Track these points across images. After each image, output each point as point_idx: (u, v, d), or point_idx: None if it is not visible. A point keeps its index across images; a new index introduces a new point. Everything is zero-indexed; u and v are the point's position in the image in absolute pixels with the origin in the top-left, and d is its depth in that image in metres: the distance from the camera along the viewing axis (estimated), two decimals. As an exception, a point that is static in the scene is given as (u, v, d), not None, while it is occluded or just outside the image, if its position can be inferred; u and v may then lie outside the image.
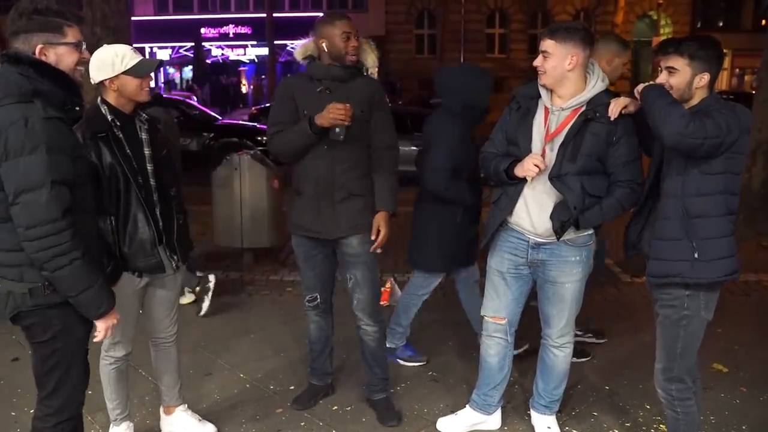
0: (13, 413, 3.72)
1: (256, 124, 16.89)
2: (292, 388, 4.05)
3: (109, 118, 2.88)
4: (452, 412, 3.74)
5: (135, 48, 3.00)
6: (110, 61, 2.84)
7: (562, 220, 3.03)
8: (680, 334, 2.85)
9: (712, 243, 2.72)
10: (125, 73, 2.87)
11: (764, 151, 7.53)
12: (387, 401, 3.75)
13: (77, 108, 2.43)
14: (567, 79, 3.04)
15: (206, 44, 31.64)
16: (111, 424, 3.34)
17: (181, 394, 3.51)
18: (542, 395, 3.52)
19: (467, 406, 3.64)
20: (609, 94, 3.10)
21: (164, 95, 18.38)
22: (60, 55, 2.35)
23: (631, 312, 5.11)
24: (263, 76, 32.81)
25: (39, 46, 2.30)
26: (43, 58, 2.31)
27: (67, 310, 2.41)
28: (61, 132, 2.27)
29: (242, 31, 32.63)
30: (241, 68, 34.33)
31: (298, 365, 4.35)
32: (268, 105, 25.44)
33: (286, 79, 3.61)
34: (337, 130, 3.23)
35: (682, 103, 2.69)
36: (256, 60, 32.45)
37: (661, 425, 3.59)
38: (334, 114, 3.18)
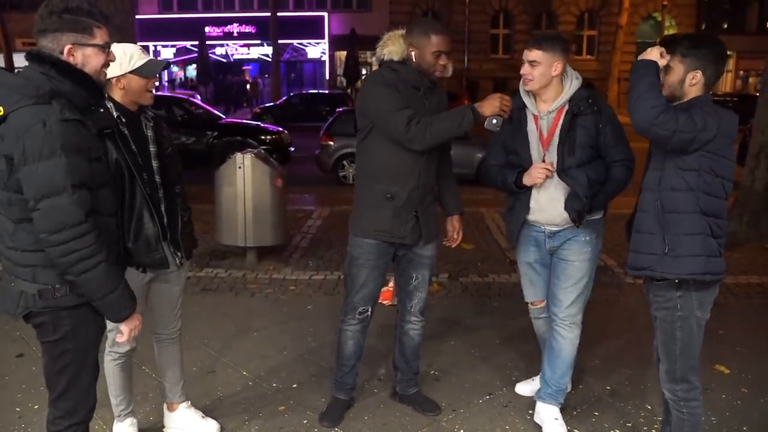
0: (18, 408, 3.74)
1: (259, 123, 16.95)
2: (294, 386, 4.07)
3: (115, 114, 2.90)
4: (453, 410, 3.77)
5: (142, 47, 3.02)
6: (118, 60, 2.83)
7: (577, 209, 3.27)
8: (677, 335, 2.86)
9: (683, 239, 2.73)
10: (132, 72, 2.89)
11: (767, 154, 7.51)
12: (420, 393, 3.85)
13: (102, 110, 2.44)
14: (551, 84, 3.30)
15: (210, 43, 31.68)
16: (115, 420, 3.36)
17: (184, 391, 3.52)
18: (549, 383, 3.60)
19: (540, 375, 3.77)
20: (586, 89, 3.37)
21: (168, 94, 18.45)
22: (87, 57, 2.31)
23: (633, 312, 5.12)
24: (267, 75, 32.86)
25: (68, 47, 2.26)
26: (71, 59, 2.27)
27: (79, 312, 2.39)
28: (79, 134, 2.23)
29: (246, 30, 32.72)
30: (245, 67, 34.37)
31: (301, 363, 4.37)
32: (271, 104, 25.65)
33: (381, 72, 3.31)
34: (495, 121, 3.18)
35: (673, 100, 2.72)
36: (267, 59, 32.43)
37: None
38: (501, 104, 3.14)
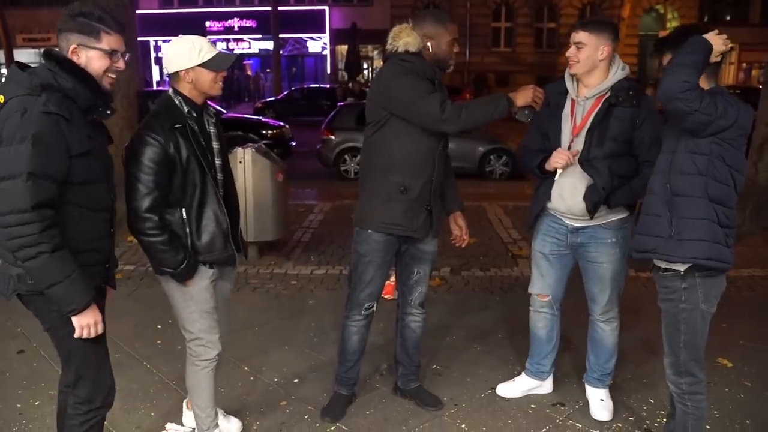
0: (19, 405, 3.73)
1: (261, 117, 16.93)
2: (296, 381, 4.06)
3: (185, 109, 2.85)
4: (455, 405, 3.76)
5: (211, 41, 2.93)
6: (187, 53, 2.79)
7: (594, 200, 3.28)
8: (681, 327, 2.84)
9: (689, 223, 2.71)
10: (201, 65, 2.82)
11: (771, 146, 7.47)
12: (422, 388, 3.85)
13: (108, 111, 2.49)
14: (597, 69, 3.26)
15: (211, 38, 31.62)
16: None
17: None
18: (594, 369, 3.72)
19: (522, 373, 3.95)
20: (629, 81, 3.31)
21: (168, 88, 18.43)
22: (90, 58, 2.41)
23: (635, 306, 5.10)
24: (268, 70, 32.82)
25: (72, 46, 2.39)
26: (74, 58, 2.40)
27: None
28: (58, 128, 2.27)
29: (247, 25, 32.64)
30: (246, 62, 34.32)
31: (302, 358, 4.36)
32: (272, 99, 25.63)
33: (397, 63, 3.23)
34: (527, 111, 3.16)
35: None
36: (269, 53, 32.37)
37: (664, 419, 3.58)
38: (535, 95, 3.12)
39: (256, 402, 3.80)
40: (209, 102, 3.06)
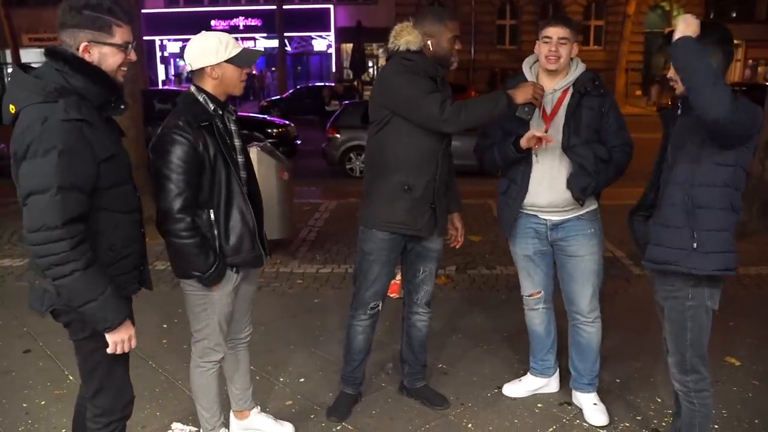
0: (25, 404, 3.74)
1: (266, 116, 16.93)
2: (302, 380, 4.06)
3: (211, 107, 2.78)
4: (462, 404, 3.75)
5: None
6: (214, 48, 2.73)
7: (582, 186, 3.29)
8: (688, 325, 2.81)
9: (712, 235, 2.67)
10: (228, 61, 2.76)
11: (777, 144, 7.43)
12: (428, 387, 3.84)
13: (122, 107, 2.36)
14: (568, 63, 3.34)
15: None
16: None
17: (252, 397, 3.45)
18: (583, 374, 3.69)
19: (528, 373, 3.92)
20: (590, 73, 3.40)
21: (175, 88, 18.45)
22: (103, 55, 2.26)
23: (642, 305, 5.08)
24: (273, 68, 32.80)
25: (83, 44, 2.22)
26: (86, 56, 2.23)
27: None
28: (81, 135, 2.16)
29: (252, 24, 32.62)
30: (251, 60, 34.30)
31: (308, 357, 4.36)
32: (277, 97, 25.62)
33: (399, 62, 3.21)
34: (527, 108, 3.13)
35: (681, 93, 2.66)
36: (274, 52, 32.39)
37: (671, 419, 3.57)
38: (535, 92, 3.12)
39: (261, 401, 3.78)
40: None
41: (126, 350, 2.41)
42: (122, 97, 2.38)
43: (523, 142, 3.26)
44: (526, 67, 3.45)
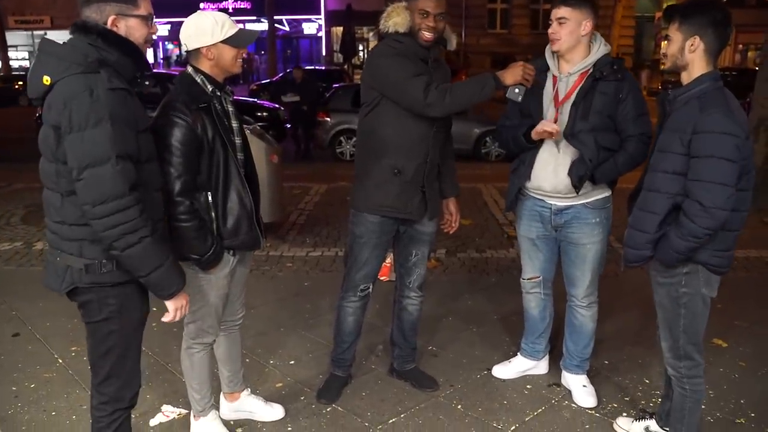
0: (14, 388, 3.72)
1: (256, 99, 16.84)
2: (292, 363, 4.06)
3: (209, 88, 2.74)
4: (451, 386, 3.76)
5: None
6: (210, 28, 2.69)
7: (579, 174, 3.23)
8: (681, 312, 2.79)
9: (729, 235, 2.71)
10: (224, 41, 2.72)
11: (767, 128, 7.46)
12: (418, 369, 3.85)
13: (147, 82, 2.35)
14: (580, 44, 3.23)
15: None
16: (197, 416, 3.21)
17: (244, 378, 3.45)
18: (573, 356, 3.70)
19: (518, 354, 3.93)
20: (612, 57, 3.29)
21: (164, 71, 18.27)
22: (131, 27, 2.27)
23: (631, 288, 5.11)
24: (263, 52, 32.62)
25: (112, 17, 2.22)
26: (114, 29, 2.23)
27: (125, 290, 2.33)
28: (126, 104, 2.17)
29: (242, 6, 32.40)
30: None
31: (298, 340, 4.36)
32: (267, 81, 25.46)
33: (387, 44, 3.19)
34: (517, 90, 3.09)
35: (677, 71, 2.65)
36: (263, 35, 32.21)
37: (659, 400, 3.59)
38: (524, 73, 3.06)
39: (251, 384, 3.78)
40: None
41: (181, 317, 2.50)
42: (149, 70, 2.39)
43: (534, 135, 3.25)
44: (547, 50, 3.35)
